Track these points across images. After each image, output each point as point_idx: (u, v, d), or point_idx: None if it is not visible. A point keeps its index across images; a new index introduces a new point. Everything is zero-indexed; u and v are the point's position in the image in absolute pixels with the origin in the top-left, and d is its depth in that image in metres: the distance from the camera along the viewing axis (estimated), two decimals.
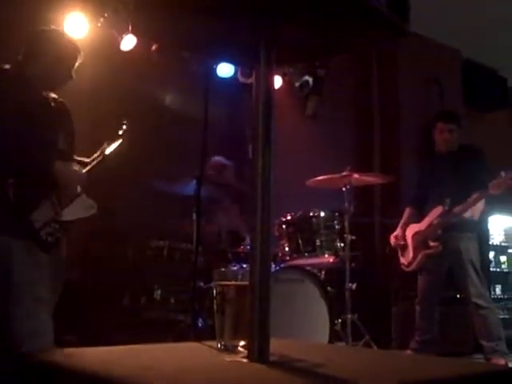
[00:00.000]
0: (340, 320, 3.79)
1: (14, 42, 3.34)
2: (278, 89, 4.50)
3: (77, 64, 2.81)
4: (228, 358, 1.40)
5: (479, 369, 1.51)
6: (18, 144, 2.45)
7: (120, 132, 3.03)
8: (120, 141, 3.01)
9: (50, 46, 2.71)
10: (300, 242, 3.80)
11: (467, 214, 3.99)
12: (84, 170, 2.80)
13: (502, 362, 3.75)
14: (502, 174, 3.82)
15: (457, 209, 3.98)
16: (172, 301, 3.78)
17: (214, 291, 1.54)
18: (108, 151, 2.94)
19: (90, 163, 2.86)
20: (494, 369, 1.66)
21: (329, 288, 3.70)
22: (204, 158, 2.09)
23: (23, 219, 2.47)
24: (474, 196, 3.93)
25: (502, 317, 4.67)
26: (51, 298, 2.61)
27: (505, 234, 5.62)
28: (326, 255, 3.82)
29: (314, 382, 1.18)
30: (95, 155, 2.90)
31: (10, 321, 2.40)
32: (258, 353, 1.34)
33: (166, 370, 1.22)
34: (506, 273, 5.53)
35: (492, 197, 3.92)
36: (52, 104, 2.77)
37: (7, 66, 2.66)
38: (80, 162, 2.83)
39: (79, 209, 2.68)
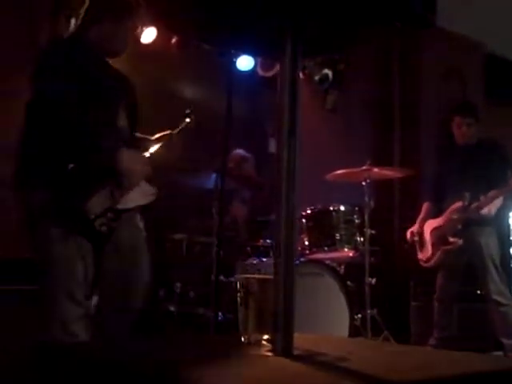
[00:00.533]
0: (360, 315, 3.78)
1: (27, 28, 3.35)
2: None
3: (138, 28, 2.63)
4: (252, 351, 1.39)
5: (504, 364, 1.49)
6: (78, 121, 2.25)
7: (187, 111, 2.87)
8: (188, 120, 2.86)
9: (111, 10, 2.48)
10: (320, 236, 3.78)
11: (484, 211, 3.94)
12: (150, 150, 2.63)
13: None
14: None
15: (476, 204, 3.93)
16: (191, 294, 3.78)
17: (238, 284, 1.53)
18: (176, 130, 2.79)
19: (154, 142, 2.69)
20: None
21: (348, 282, 3.68)
22: (226, 151, 2.06)
23: (77, 208, 2.24)
24: (494, 191, 3.88)
25: None
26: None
27: None
28: (346, 249, 3.80)
29: (338, 376, 1.18)
30: (161, 134, 2.73)
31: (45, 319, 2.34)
32: (283, 346, 1.34)
33: (191, 363, 1.22)
34: None
35: None
36: (114, 75, 2.56)
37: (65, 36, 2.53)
38: (142, 140, 2.67)
39: (137, 196, 2.44)
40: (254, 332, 1.47)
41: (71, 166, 2.21)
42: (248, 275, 1.53)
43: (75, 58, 2.33)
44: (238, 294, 1.52)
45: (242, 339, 1.49)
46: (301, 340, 1.43)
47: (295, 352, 1.35)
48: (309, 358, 1.35)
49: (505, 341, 3.91)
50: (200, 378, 1.07)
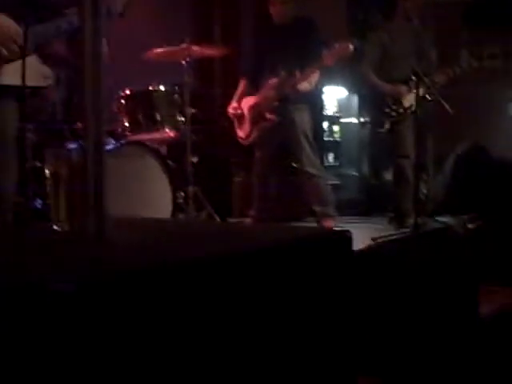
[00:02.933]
0: (182, 193, 3.87)
1: None
2: None
3: None
4: (64, 239, 1.38)
5: (306, 232, 1.64)
6: None
7: None
8: None
9: None
10: (140, 117, 3.72)
11: (302, 86, 4.08)
12: None
13: (330, 223, 4.10)
14: (336, 45, 3.93)
15: (292, 81, 4.06)
16: None
17: (47, 172, 1.48)
18: None
19: None
20: (318, 231, 1.81)
21: (170, 162, 3.71)
22: (26, 32, 1.87)
23: None
24: (310, 68, 4.02)
25: (334, 182, 5.02)
26: None
27: (338, 105, 5.90)
28: (167, 130, 3.79)
29: (148, 257, 1.21)
30: None
31: None
32: (95, 231, 1.34)
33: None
34: (338, 142, 5.86)
35: (326, 68, 4.04)
36: None
37: None
38: None
39: (27, 74, 1.93)
40: (67, 220, 1.46)
41: None
42: (57, 162, 1.48)
43: None
44: (48, 183, 1.48)
45: (55, 227, 1.46)
46: (117, 223, 1.45)
47: (107, 236, 1.36)
48: (121, 242, 1.37)
49: (317, 208, 4.25)
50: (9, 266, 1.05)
